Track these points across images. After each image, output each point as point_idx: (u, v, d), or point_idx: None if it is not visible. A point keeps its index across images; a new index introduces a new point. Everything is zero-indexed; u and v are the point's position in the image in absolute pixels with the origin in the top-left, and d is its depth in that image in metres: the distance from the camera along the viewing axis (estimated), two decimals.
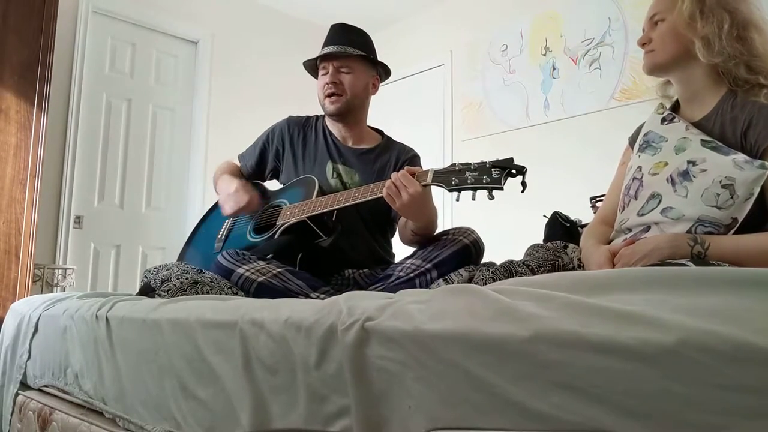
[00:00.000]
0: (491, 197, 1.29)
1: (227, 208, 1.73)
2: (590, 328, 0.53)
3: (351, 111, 1.79)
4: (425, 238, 1.65)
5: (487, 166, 1.31)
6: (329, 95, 1.76)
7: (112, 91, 3.61)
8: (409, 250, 1.72)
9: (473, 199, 1.32)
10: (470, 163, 1.33)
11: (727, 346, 0.46)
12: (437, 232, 1.61)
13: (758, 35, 1.19)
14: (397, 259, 1.86)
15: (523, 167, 1.29)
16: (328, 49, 1.77)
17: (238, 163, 1.94)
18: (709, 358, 0.46)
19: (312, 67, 1.86)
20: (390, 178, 1.42)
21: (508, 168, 1.29)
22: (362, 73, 1.80)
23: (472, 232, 1.54)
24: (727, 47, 1.17)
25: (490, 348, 0.58)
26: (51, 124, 2.99)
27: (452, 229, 1.57)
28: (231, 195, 1.72)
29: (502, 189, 1.29)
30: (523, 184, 1.29)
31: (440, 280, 1.44)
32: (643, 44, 1.30)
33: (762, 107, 1.13)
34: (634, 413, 0.48)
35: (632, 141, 1.39)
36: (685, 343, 0.47)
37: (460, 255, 1.48)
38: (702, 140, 1.17)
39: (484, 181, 1.30)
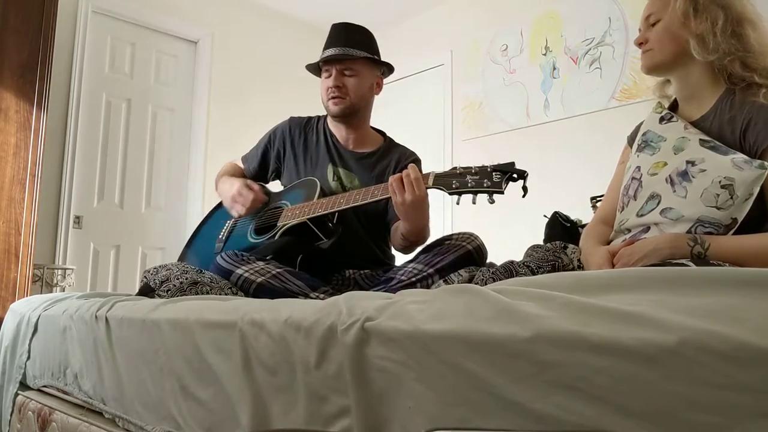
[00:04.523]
0: (492, 201, 1.29)
1: (235, 211, 1.75)
2: (590, 328, 0.52)
3: (355, 113, 1.78)
4: (415, 245, 1.64)
5: (488, 170, 1.30)
6: (333, 98, 1.74)
7: (111, 90, 3.61)
8: (407, 255, 1.72)
9: (474, 202, 1.32)
10: (471, 167, 1.33)
11: (728, 346, 0.46)
12: (441, 236, 1.60)
13: (753, 31, 1.19)
14: (396, 263, 1.86)
15: (524, 172, 1.29)
16: (330, 52, 1.74)
17: (241, 165, 1.94)
18: (710, 358, 0.46)
19: (315, 68, 1.83)
20: (401, 173, 1.40)
21: (509, 172, 1.29)
22: (366, 75, 1.77)
23: (476, 238, 1.53)
24: (722, 44, 1.17)
25: (490, 348, 0.58)
26: (50, 124, 2.99)
27: (455, 234, 1.56)
28: (235, 197, 1.73)
29: (502, 193, 1.28)
30: (524, 188, 1.29)
31: (441, 281, 1.44)
32: (640, 44, 1.30)
33: (761, 107, 1.13)
34: (634, 413, 0.48)
35: (631, 140, 1.38)
36: (686, 343, 0.47)
37: (462, 261, 1.47)
38: (701, 140, 1.16)
39: (484, 185, 1.29)
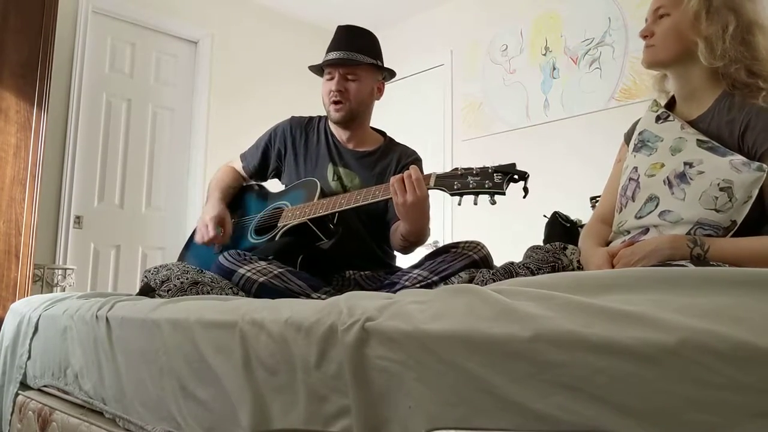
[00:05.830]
0: (493, 202, 1.30)
1: (197, 237, 1.75)
2: (590, 328, 0.53)
3: (355, 117, 1.78)
4: (414, 245, 1.64)
5: (489, 171, 1.31)
6: (334, 102, 1.74)
7: (111, 91, 3.61)
8: (412, 258, 1.71)
9: (475, 203, 1.32)
10: (472, 168, 1.33)
11: (727, 346, 0.46)
12: (447, 243, 1.60)
13: (762, 38, 1.17)
14: (396, 263, 1.86)
15: (525, 173, 1.29)
16: (333, 55, 1.74)
17: (240, 163, 1.94)
18: (709, 358, 0.46)
19: (318, 68, 1.82)
20: (402, 174, 1.40)
21: (510, 173, 1.30)
22: (368, 80, 1.77)
23: (483, 247, 1.52)
24: (730, 51, 1.15)
25: (490, 348, 0.58)
26: (51, 124, 2.99)
27: (462, 242, 1.55)
28: (204, 223, 1.73)
29: (504, 194, 1.29)
30: (525, 189, 1.29)
31: (441, 282, 1.44)
32: (644, 36, 1.28)
33: (761, 110, 1.12)
34: (634, 413, 0.48)
35: (627, 137, 1.38)
36: (686, 343, 0.47)
37: (468, 269, 1.46)
38: (698, 140, 1.16)
39: (486, 186, 1.30)
